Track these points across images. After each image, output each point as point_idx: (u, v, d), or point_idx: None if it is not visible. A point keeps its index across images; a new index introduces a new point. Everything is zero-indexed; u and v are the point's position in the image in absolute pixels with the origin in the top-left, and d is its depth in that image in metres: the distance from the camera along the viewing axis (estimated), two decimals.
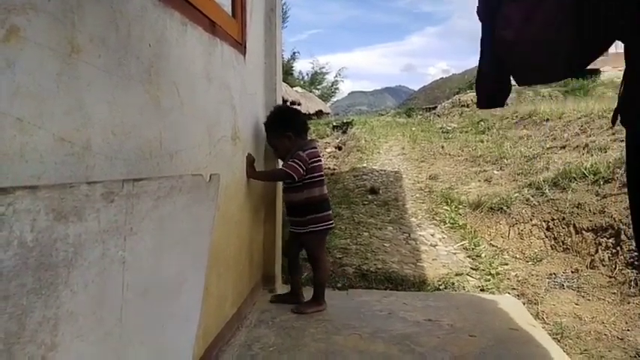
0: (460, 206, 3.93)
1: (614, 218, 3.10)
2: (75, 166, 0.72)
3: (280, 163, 2.05)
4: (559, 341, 1.94)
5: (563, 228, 3.51)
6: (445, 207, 3.94)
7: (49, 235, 0.55)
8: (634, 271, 2.71)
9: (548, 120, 6.00)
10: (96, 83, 0.77)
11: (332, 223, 1.99)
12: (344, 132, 10.39)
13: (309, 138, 2.03)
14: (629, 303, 2.44)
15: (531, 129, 6.05)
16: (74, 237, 0.59)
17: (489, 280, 2.51)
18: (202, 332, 1.39)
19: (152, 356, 0.86)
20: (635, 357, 1.93)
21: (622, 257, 2.83)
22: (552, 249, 3.47)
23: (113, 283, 0.70)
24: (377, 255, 2.84)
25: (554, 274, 2.99)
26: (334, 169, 6.02)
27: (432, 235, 3.31)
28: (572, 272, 3.08)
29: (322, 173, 1.95)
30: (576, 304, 2.52)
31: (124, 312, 0.74)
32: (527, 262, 3.07)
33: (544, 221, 3.67)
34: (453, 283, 2.43)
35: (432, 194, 4.40)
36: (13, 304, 0.50)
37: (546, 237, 3.62)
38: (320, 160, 1.93)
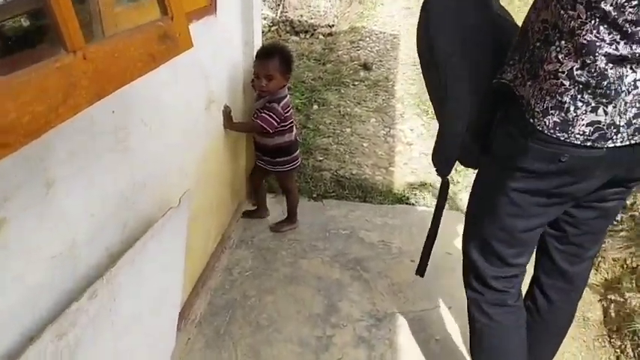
0: None
1: None
2: None
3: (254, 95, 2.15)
4: None
5: None
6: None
7: None
8: None
9: None
10: None
11: (298, 163, 2.21)
12: None
13: None
14: None
15: None
16: None
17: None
18: (189, 274, 1.78)
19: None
20: None
21: None
22: None
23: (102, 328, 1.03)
24: (354, 157, 3.11)
25: None
26: (332, 26, 5.80)
27: (411, 130, 3.51)
28: None
29: (292, 120, 2.09)
30: None
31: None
32: None
33: None
34: (415, 194, 2.76)
35: None
36: None
37: None
38: (291, 108, 2.05)
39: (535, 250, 1.33)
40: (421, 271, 1.61)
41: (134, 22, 1.03)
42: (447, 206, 2.64)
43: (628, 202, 2.04)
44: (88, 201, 1.03)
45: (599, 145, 0.97)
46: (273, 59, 1.94)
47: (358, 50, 4.89)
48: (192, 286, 1.82)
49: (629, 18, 0.87)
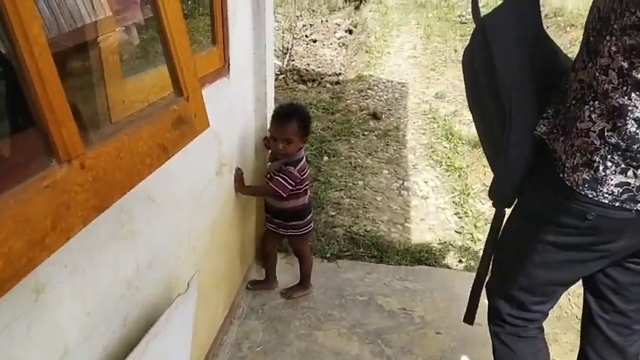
0: (459, 142, 3.93)
1: None
2: None
3: (268, 153, 2.04)
4: None
5: None
6: (445, 144, 3.94)
7: None
8: None
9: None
10: None
11: (312, 227, 2.07)
12: (357, 7, 9.70)
13: None
14: None
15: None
16: None
17: (468, 249, 2.68)
18: (195, 356, 1.61)
19: None
20: None
21: None
22: None
23: None
24: (368, 212, 2.97)
25: None
26: (339, 74, 5.82)
27: (425, 183, 3.39)
28: None
29: (307, 183, 1.97)
30: None
31: None
32: None
33: None
34: (435, 254, 2.61)
35: (434, 122, 4.35)
36: None
37: None
38: (307, 172, 1.94)
39: (581, 322, 1.29)
40: (469, 318, 1.47)
41: (144, 95, 0.93)
42: (468, 269, 2.50)
43: None
44: (84, 301, 0.89)
45: (627, 207, 0.98)
46: (291, 122, 1.84)
47: (367, 99, 4.86)
48: None
49: None
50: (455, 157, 3.74)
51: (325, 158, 3.60)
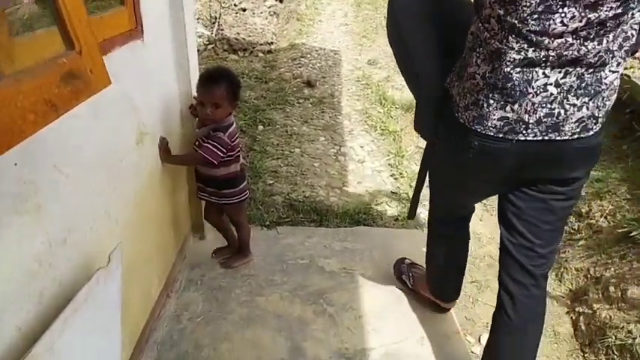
0: (393, 107, 3.99)
1: None
2: None
3: (195, 121, 1.96)
4: None
5: None
6: (379, 109, 3.99)
7: None
8: None
9: None
10: None
11: (247, 195, 2.03)
12: None
13: None
14: None
15: None
16: None
17: (405, 208, 2.76)
18: (128, 332, 1.56)
19: None
20: None
21: None
22: None
23: None
24: (306, 179, 2.97)
25: None
26: (271, 43, 5.68)
27: (361, 148, 3.43)
28: None
29: (239, 149, 1.92)
30: (480, 220, 2.87)
31: None
32: None
33: None
34: (372, 214, 2.66)
35: (368, 88, 4.38)
36: None
37: None
38: (238, 137, 1.89)
39: (499, 251, 1.42)
40: (411, 214, 1.90)
41: (38, 54, 0.84)
42: (405, 227, 2.59)
43: (583, 211, 2.05)
44: None
45: (509, 137, 1.14)
46: (219, 86, 1.76)
47: (300, 67, 4.80)
48: (134, 344, 1.59)
49: (532, 29, 1.02)
50: (389, 122, 3.80)
51: (260, 127, 3.54)
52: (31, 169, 0.95)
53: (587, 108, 1.09)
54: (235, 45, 5.43)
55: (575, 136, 1.12)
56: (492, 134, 1.14)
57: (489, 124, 1.14)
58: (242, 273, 2.12)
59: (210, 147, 1.77)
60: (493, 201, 3.11)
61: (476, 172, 1.28)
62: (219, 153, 1.78)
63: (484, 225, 2.82)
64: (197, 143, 1.86)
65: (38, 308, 0.99)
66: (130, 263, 1.52)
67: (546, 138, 1.12)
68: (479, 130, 1.16)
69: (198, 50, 5.75)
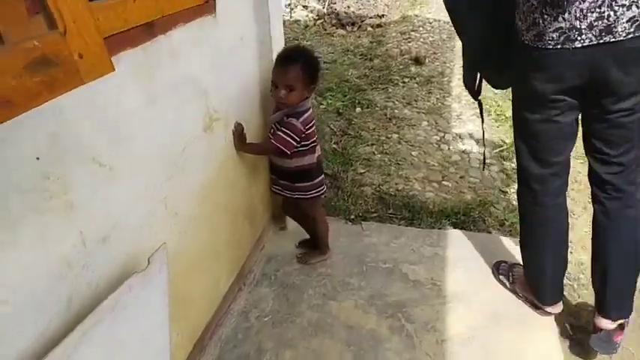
0: None
1: None
2: None
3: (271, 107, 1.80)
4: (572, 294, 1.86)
5: None
6: (495, 90, 3.49)
7: None
8: None
9: None
10: None
11: (323, 190, 1.83)
12: None
13: None
14: None
15: None
16: None
17: (514, 211, 2.35)
18: (188, 332, 1.49)
19: None
20: None
21: None
22: None
23: None
24: (401, 169, 2.69)
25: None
26: (382, 16, 5.34)
27: (469, 135, 3.03)
28: None
29: (315, 139, 1.72)
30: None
31: None
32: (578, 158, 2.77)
33: None
34: (473, 217, 2.31)
35: None
36: None
37: None
38: (314, 125, 1.69)
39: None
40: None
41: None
42: (512, 234, 2.20)
43: None
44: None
45: (567, 47, 1.21)
46: (294, 66, 1.58)
47: (409, 42, 4.42)
48: (194, 341, 1.53)
49: None
50: (506, 105, 3.30)
51: (358, 109, 3.30)
52: (58, 163, 0.86)
53: (637, 6, 1.12)
54: (344, 19, 5.21)
55: (630, 36, 1.15)
56: (551, 47, 1.23)
57: (547, 37, 1.23)
58: (318, 271, 1.96)
59: (283, 135, 1.61)
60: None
61: (544, 91, 1.33)
62: (292, 142, 1.61)
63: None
64: (272, 131, 1.71)
65: (66, 315, 0.91)
66: (193, 257, 1.44)
67: (601, 41, 1.17)
68: (540, 45, 1.25)
69: (306, 26, 5.67)
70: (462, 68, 1.68)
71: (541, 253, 1.63)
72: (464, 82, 1.68)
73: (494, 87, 1.63)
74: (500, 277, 1.86)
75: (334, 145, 2.86)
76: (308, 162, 1.72)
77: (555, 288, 1.67)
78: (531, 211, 1.60)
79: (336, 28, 5.10)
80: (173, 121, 1.25)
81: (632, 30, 1.14)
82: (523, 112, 1.44)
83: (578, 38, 1.18)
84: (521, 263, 1.81)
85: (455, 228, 2.24)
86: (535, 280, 1.69)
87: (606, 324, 1.52)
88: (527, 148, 1.49)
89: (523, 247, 1.73)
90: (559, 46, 1.21)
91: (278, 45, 1.84)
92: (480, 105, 1.75)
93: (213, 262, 1.62)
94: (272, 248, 2.09)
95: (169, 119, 1.23)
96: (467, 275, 1.92)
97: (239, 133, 1.64)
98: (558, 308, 1.70)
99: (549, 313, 1.71)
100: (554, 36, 1.21)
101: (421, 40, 4.44)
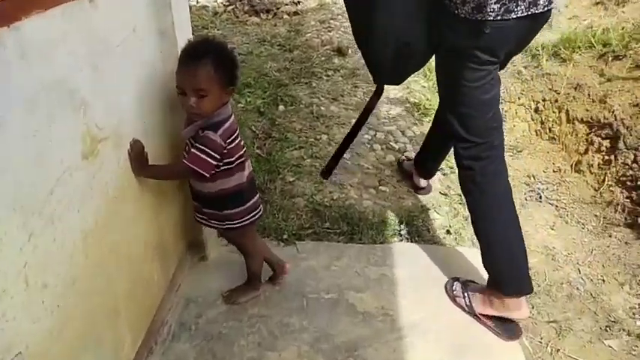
0: None
1: (614, 115, 2.66)
2: None
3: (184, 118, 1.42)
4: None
5: (554, 112, 3.10)
6: (422, 82, 3.36)
7: None
8: (623, 191, 2.41)
9: None
10: None
11: (258, 212, 1.51)
12: None
13: None
14: (610, 236, 2.21)
15: None
16: None
17: (457, 214, 2.20)
18: None
19: None
20: (607, 329, 1.77)
21: (614, 170, 2.50)
22: (537, 135, 3.13)
23: None
24: (334, 174, 2.41)
25: (533, 176, 2.70)
26: (298, 2, 5.02)
27: (401, 133, 2.84)
28: (553, 172, 2.80)
29: (242, 153, 1.38)
30: (552, 229, 2.30)
31: None
32: (506, 151, 2.72)
33: (533, 101, 3.23)
34: (416, 225, 2.11)
35: None
36: None
37: (532, 120, 3.23)
38: (238, 137, 1.34)
39: None
40: (326, 173, 1.81)
41: None
42: (459, 241, 2.05)
43: None
44: None
45: (506, 17, 1.27)
46: (203, 65, 1.21)
47: (330, 32, 4.15)
48: None
49: None
50: (435, 98, 3.16)
51: (281, 107, 2.96)
52: None
53: None
54: (258, 6, 4.80)
55: (546, 8, 1.30)
56: (492, 18, 1.26)
57: (488, 9, 1.25)
58: (250, 312, 1.62)
59: (198, 153, 1.24)
60: (567, 200, 2.54)
61: (482, 60, 1.36)
62: (211, 161, 1.25)
63: (557, 236, 2.25)
64: (186, 148, 1.33)
65: None
66: (78, 331, 1.04)
67: (529, 13, 1.27)
68: (479, 17, 1.27)
69: (216, 13, 5.15)
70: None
71: (500, 227, 1.57)
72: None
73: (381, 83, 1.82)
74: (457, 299, 1.67)
75: (258, 151, 2.51)
76: (236, 182, 1.36)
77: (523, 270, 1.55)
78: (475, 183, 1.56)
79: (249, 16, 4.68)
80: (30, 153, 0.84)
81: (546, 3, 1.29)
82: (461, 82, 1.42)
83: (515, 9, 1.26)
84: (474, 280, 1.70)
85: (399, 241, 2.02)
86: (492, 265, 1.58)
87: None
88: (469, 110, 1.49)
89: (475, 226, 1.63)
90: (499, 18, 1.26)
91: (184, 36, 1.44)
92: (380, 92, 1.87)
93: (111, 325, 1.22)
94: (190, 287, 1.70)
95: (23, 151, 0.82)
96: (420, 299, 1.70)
97: (136, 154, 1.24)
98: (526, 310, 1.55)
99: (517, 327, 1.57)
100: (496, 7, 1.25)
101: (342, 29, 4.19)
